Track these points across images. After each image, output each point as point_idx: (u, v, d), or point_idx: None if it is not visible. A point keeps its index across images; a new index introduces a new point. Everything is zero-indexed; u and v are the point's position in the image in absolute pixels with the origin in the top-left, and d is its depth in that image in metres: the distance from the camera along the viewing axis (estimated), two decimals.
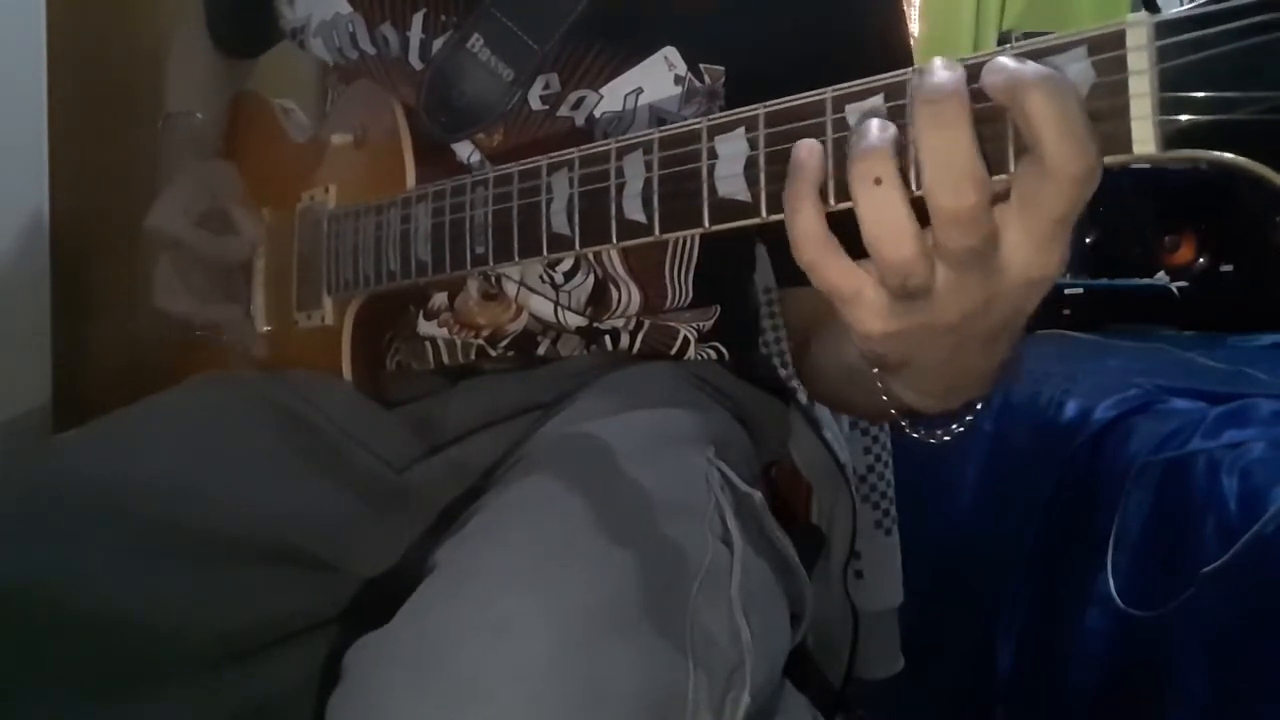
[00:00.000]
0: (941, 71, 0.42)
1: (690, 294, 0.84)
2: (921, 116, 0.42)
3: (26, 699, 0.57)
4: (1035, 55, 0.42)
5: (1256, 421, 1.09)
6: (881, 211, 0.43)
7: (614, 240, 0.57)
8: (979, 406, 0.55)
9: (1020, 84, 0.40)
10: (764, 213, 0.50)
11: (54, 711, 0.58)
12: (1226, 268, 1.91)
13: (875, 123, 0.44)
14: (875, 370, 0.53)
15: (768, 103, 0.50)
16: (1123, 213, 1.92)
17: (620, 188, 0.56)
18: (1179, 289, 1.86)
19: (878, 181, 0.43)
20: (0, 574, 0.57)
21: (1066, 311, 1.81)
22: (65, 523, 0.60)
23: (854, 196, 0.43)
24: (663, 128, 0.54)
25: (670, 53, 0.74)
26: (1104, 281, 1.88)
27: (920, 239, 0.43)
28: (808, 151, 0.46)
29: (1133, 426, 1.17)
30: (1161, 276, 1.89)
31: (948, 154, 0.41)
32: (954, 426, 0.56)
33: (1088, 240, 1.90)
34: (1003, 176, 0.43)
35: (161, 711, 0.59)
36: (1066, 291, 1.82)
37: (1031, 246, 0.43)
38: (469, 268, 0.67)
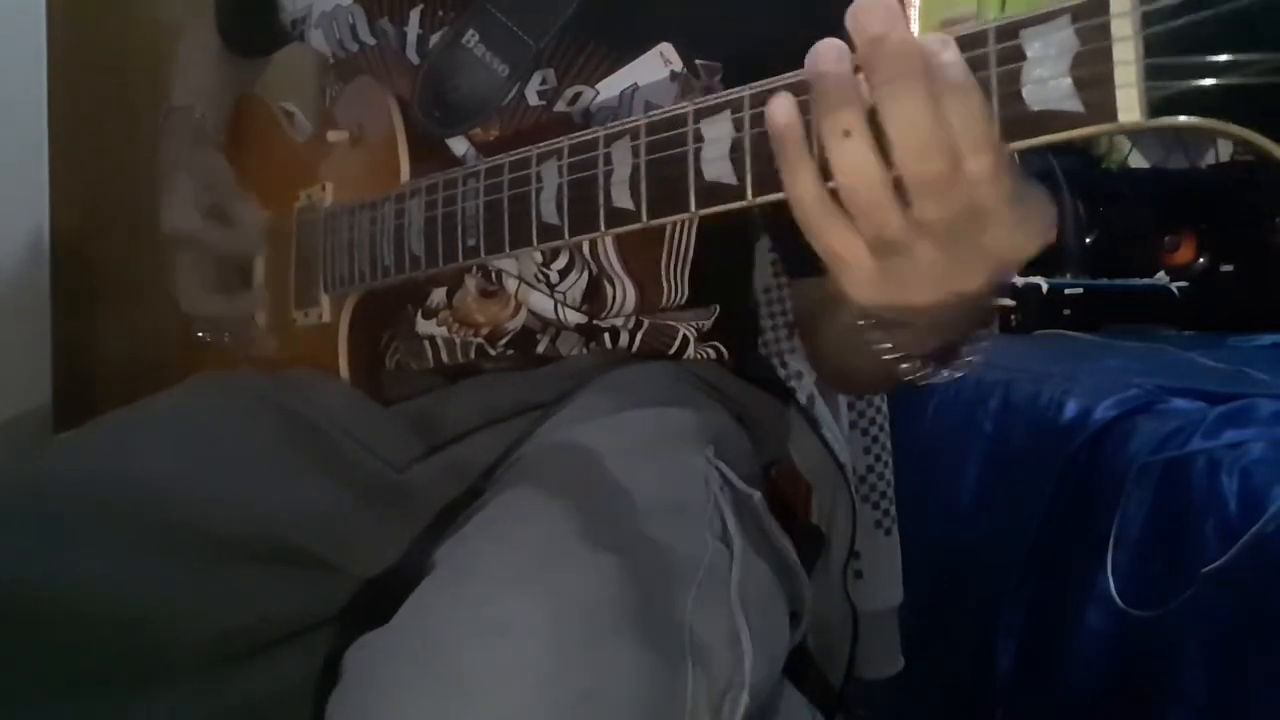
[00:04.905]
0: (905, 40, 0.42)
1: (686, 292, 0.83)
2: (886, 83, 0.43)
3: (26, 698, 0.57)
4: (1018, 26, 0.42)
5: (1256, 421, 1.09)
6: (853, 160, 0.44)
7: (602, 228, 0.57)
8: (968, 344, 0.56)
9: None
10: (750, 195, 0.50)
11: (54, 711, 0.57)
12: (1226, 268, 1.90)
13: (834, 75, 0.44)
14: (861, 323, 0.54)
15: (752, 85, 0.50)
16: (1122, 213, 1.91)
17: (608, 175, 0.56)
18: (1179, 289, 1.86)
19: (847, 134, 0.43)
20: (0, 573, 0.57)
21: (1066, 311, 1.81)
22: (65, 522, 0.60)
23: (827, 149, 0.44)
24: (649, 113, 0.54)
25: (666, 49, 0.74)
26: (1104, 281, 1.87)
27: (890, 187, 0.44)
28: (782, 111, 0.46)
29: (1133, 426, 1.17)
30: (1161, 276, 1.88)
31: (911, 119, 0.42)
32: (946, 370, 0.56)
33: (1088, 240, 1.90)
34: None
35: (162, 710, 0.59)
36: (1067, 291, 1.82)
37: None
38: (461, 260, 0.67)
